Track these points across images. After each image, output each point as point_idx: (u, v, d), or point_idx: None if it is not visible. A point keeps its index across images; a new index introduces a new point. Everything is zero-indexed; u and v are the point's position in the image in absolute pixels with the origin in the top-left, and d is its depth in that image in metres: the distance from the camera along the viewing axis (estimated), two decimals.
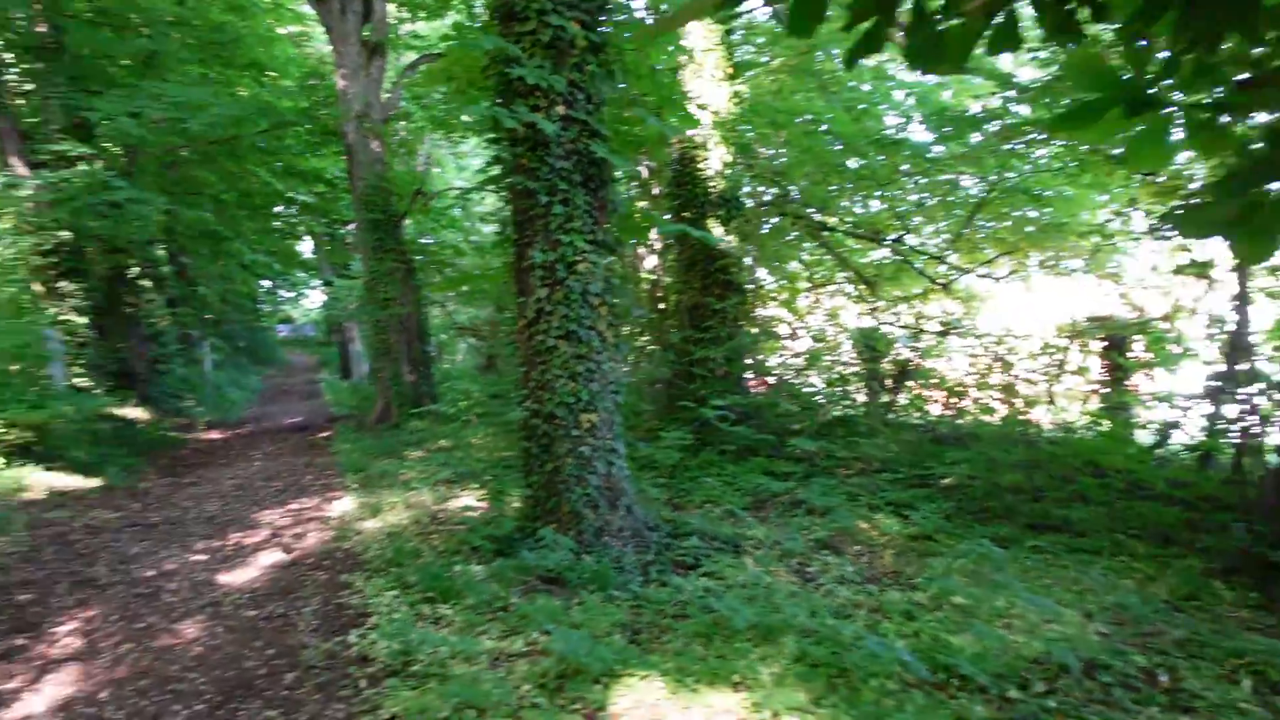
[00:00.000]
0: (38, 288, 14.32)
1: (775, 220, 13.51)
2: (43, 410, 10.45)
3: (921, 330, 10.99)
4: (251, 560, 7.16)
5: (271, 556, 7.25)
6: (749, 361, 11.94)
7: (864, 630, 4.83)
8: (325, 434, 16.46)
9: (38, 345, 11.67)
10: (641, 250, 15.33)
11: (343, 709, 4.36)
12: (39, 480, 10.14)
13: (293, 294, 49.40)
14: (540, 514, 6.58)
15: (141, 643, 5.30)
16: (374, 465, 11.08)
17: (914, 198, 13.28)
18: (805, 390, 11.59)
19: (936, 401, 10.71)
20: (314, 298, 51.18)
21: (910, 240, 13.74)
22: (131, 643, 5.30)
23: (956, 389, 10.12)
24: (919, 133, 13.24)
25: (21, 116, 15.74)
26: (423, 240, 19.46)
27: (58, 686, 4.68)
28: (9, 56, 15.48)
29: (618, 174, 7.67)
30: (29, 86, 15.75)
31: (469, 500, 8.57)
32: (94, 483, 10.56)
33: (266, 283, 36.47)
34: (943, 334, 10.69)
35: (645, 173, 14.74)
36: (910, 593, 5.75)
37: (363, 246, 16.04)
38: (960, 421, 10.03)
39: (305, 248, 29.93)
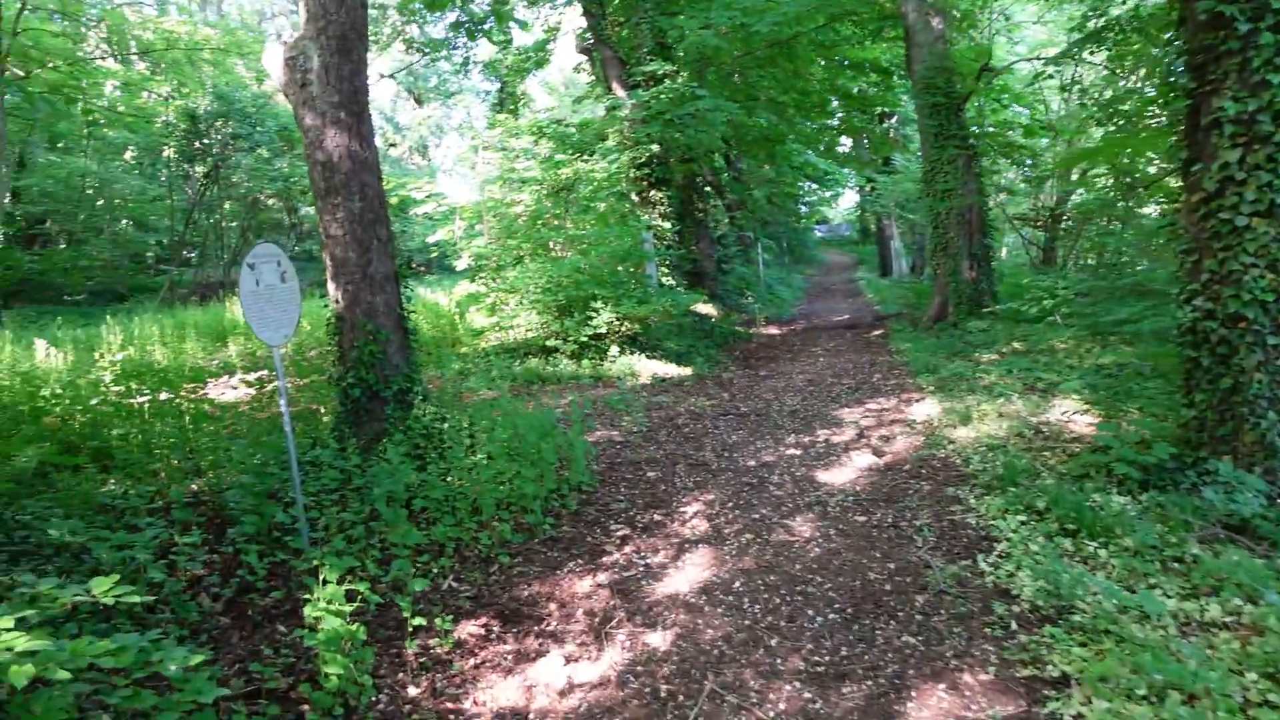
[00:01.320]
0: (634, 197, 16.27)
1: None
2: (647, 305, 11.74)
3: None
4: (845, 460, 6.99)
5: (863, 458, 7.01)
6: None
7: None
8: (877, 332, 16.19)
9: (639, 248, 13.16)
10: None
11: (993, 651, 3.76)
12: (644, 367, 11.51)
13: (829, 193, 50.23)
14: (1208, 441, 5.14)
15: (760, 534, 5.37)
16: (945, 367, 10.33)
17: None
18: None
19: None
20: (848, 196, 51.70)
21: None
22: (751, 533, 5.40)
23: None
24: None
25: (620, 44, 17.85)
26: (988, 126, 17.60)
27: (695, 569, 4.91)
28: None
29: None
30: (622, 19, 17.78)
31: (1069, 412, 7.33)
32: (685, 371, 11.67)
33: (809, 184, 37.46)
34: None
35: None
36: None
37: (922, 134, 15.02)
38: None
39: (843, 145, 29.74)
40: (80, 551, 4.27)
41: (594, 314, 11.65)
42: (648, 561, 5.01)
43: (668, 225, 16.64)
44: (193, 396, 8.53)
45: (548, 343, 11.88)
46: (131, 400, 7.91)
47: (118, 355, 11.39)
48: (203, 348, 13.56)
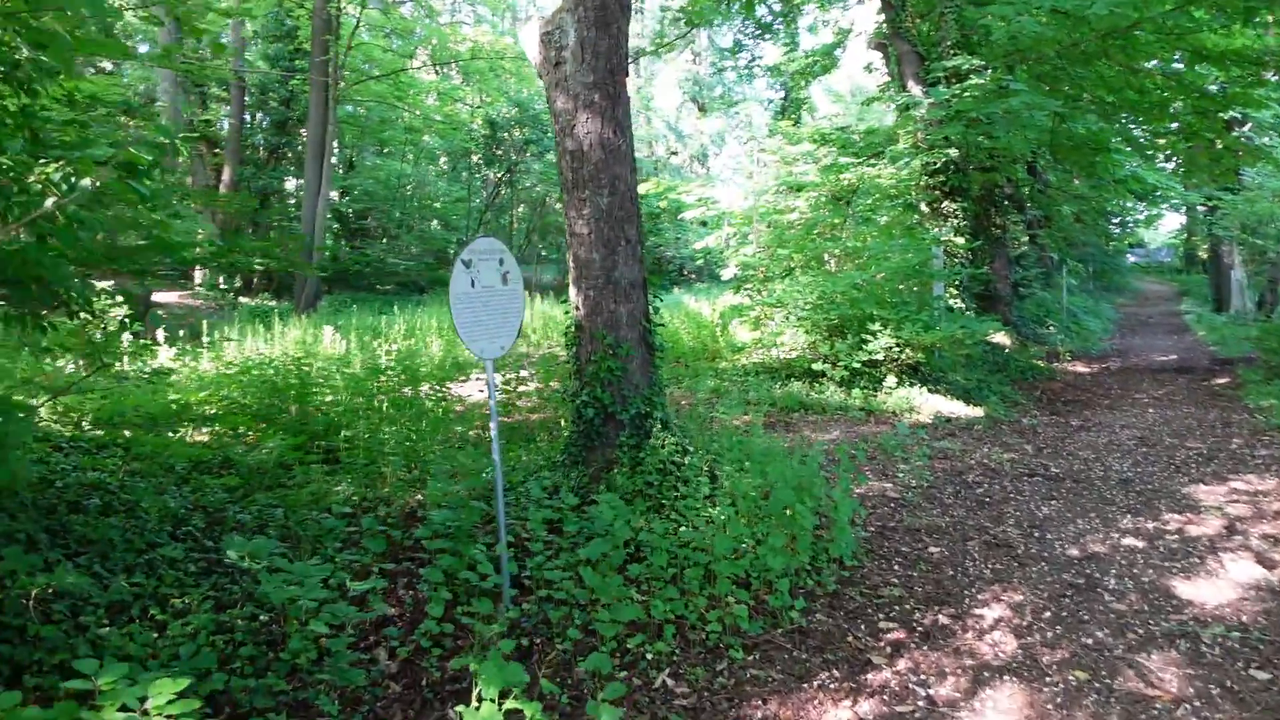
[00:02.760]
0: (924, 208, 14.47)
1: None
2: (934, 332, 10.09)
3: None
4: (1213, 567, 5.09)
5: (1244, 567, 5.05)
6: None
7: None
8: (1222, 380, 13.12)
9: (927, 265, 11.47)
10: None
11: None
12: (926, 403, 9.86)
13: (1149, 213, 43.89)
14: None
15: (1098, 675, 3.79)
16: None
17: None
18: None
19: None
20: (1169, 219, 44.85)
21: None
22: (1083, 671, 3.83)
23: None
24: None
25: (919, 39, 16.08)
26: None
27: (999, 716, 3.48)
28: None
29: None
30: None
31: None
32: (976, 412, 9.85)
33: (1130, 201, 32.61)
34: None
35: None
36: None
37: None
38: None
39: (1161, 162, 25.24)
40: (254, 581, 3.75)
41: (870, 337, 10.19)
42: (930, 691, 3.65)
43: (961, 241, 14.63)
44: (443, 393, 8.32)
45: (814, 366, 10.60)
46: (380, 395, 7.80)
47: (392, 346, 11.75)
48: None
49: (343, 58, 22.52)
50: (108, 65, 21.11)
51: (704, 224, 19.59)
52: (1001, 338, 15.48)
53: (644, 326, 5.84)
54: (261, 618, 3.61)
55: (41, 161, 3.40)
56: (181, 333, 12.51)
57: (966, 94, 12.49)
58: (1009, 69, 15.08)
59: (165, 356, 8.83)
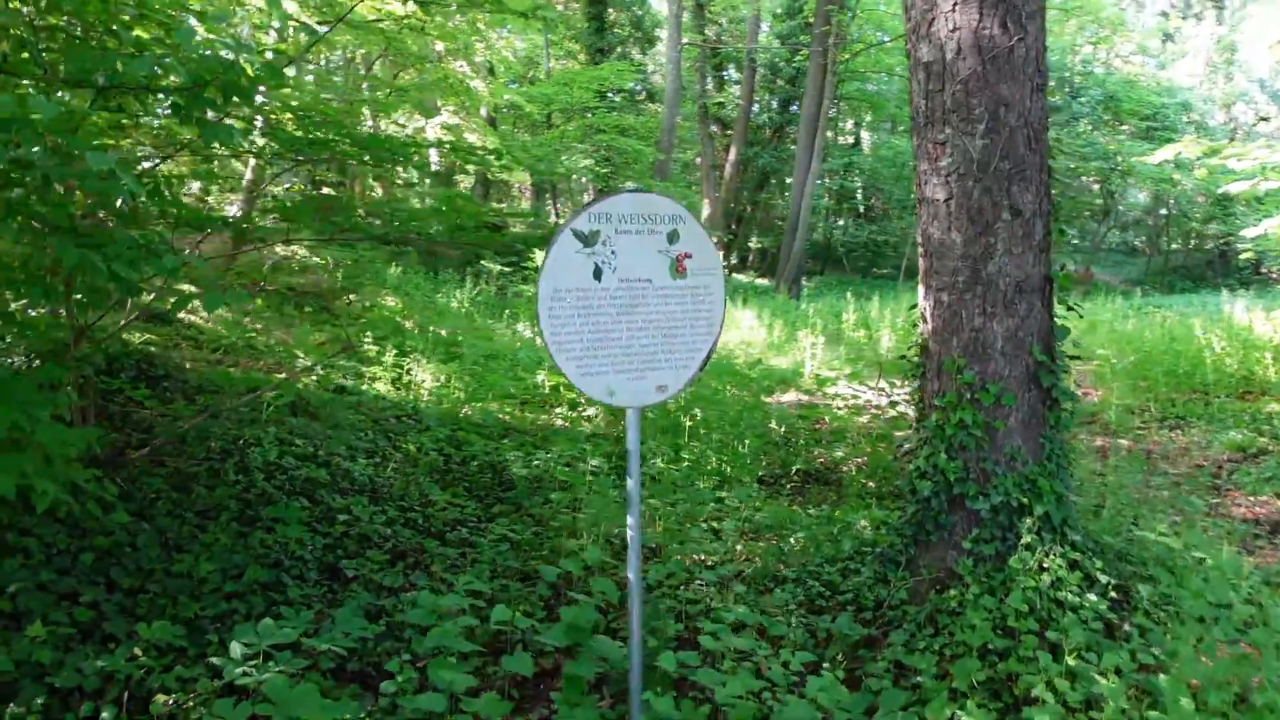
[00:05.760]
0: None
1: None
2: None
3: None
4: None
5: None
6: None
7: None
8: None
9: None
10: None
11: None
12: None
13: None
14: None
15: None
16: None
17: None
18: None
19: None
20: None
21: None
22: None
23: None
24: None
25: None
26: None
27: None
28: None
29: None
30: None
31: None
32: None
33: None
34: None
35: None
36: None
37: None
38: None
39: None
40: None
41: None
42: None
43: None
44: (813, 403, 6.63)
45: None
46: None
47: (811, 338, 10.30)
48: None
49: (849, 27, 21.20)
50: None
51: (1259, 200, 14.15)
52: None
53: (1036, 360, 3.46)
54: None
55: None
56: None
57: None
58: None
59: None
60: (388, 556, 3.83)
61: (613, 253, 2.39)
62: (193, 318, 8.18)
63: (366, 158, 4.27)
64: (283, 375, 5.77)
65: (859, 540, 4.20)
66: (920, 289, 3.69)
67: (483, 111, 18.63)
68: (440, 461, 5.39)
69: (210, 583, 3.07)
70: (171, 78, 2.44)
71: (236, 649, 2.44)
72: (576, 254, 2.37)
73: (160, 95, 2.52)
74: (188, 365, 5.41)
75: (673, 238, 2.46)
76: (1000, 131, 3.29)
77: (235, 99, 2.66)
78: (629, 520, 2.51)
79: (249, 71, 2.54)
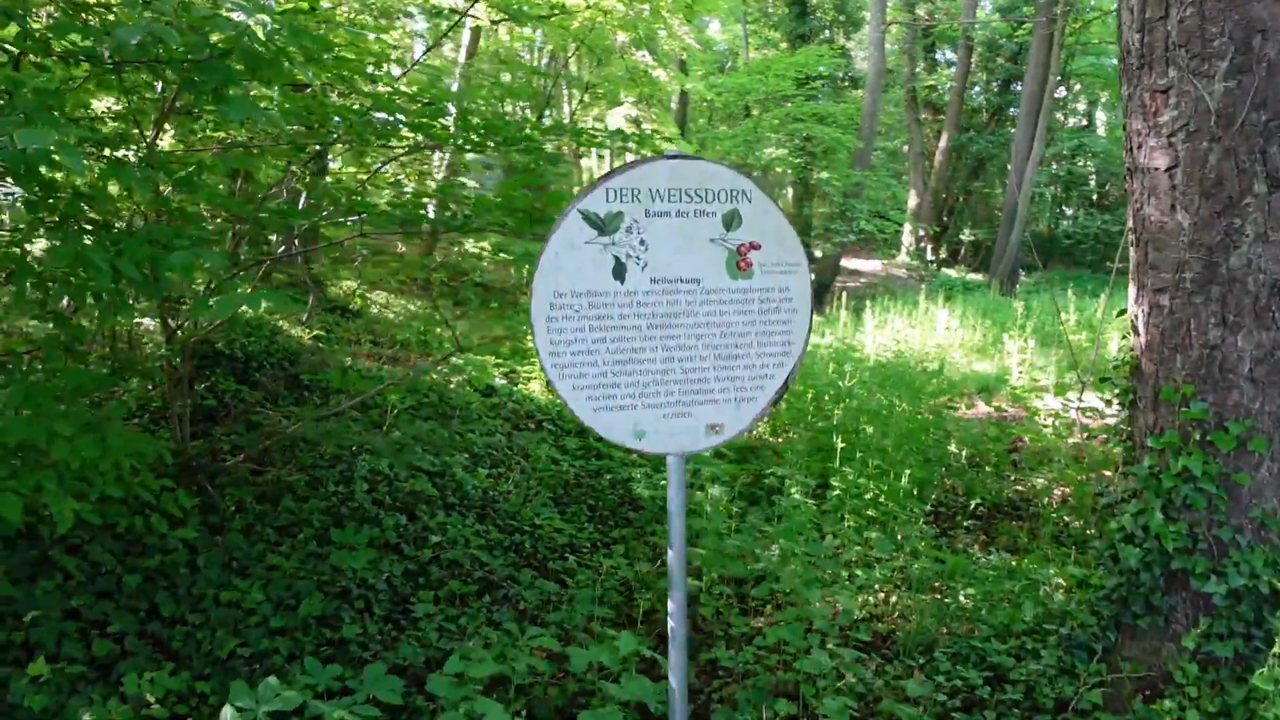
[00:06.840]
0: None
1: None
2: None
3: None
4: None
5: None
6: None
7: None
8: None
9: None
10: None
11: None
12: None
13: None
14: None
15: None
16: None
17: None
18: None
19: None
20: None
21: None
22: None
23: None
24: None
25: None
26: None
27: None
28: None
29: None
30: None
31: None
32: None
33: None
34: None
35: None
36: None
37: None
38: None
39: None
40: None
41: None
42: None
43: None
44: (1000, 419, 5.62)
45: None
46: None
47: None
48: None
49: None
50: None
51: None
52: None
53: None
54: None
55: None
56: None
57: None
58: None
59: None
60: (475, 588, 3.45)
61: (641, 243, 1.77)
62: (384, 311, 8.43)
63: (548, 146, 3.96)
64: (431, 374, 5.60)
65: (1045, 607, 3.31)
66: (1131, 289, 2.78)
67: (672, 105, 18.33)
68: (570, 475, 4.99)
69: (259, 614, 2.79)
70: (177, 49, 2.13)
71: (228, 715, 2.10)
72: (588, 245, 1.77)
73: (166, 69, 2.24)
74: (327, 364, 5.36)
75: (731, 221, 1.79)
76: (1253, 70, 2.34)
77: (261, 72, 2.33)
78: (670, 607, 1.91)
79: (262, 37, 2.19)
